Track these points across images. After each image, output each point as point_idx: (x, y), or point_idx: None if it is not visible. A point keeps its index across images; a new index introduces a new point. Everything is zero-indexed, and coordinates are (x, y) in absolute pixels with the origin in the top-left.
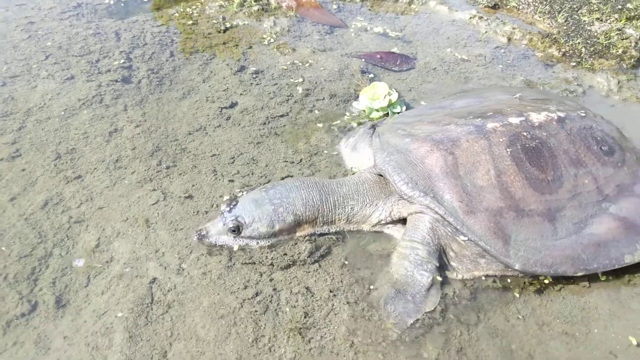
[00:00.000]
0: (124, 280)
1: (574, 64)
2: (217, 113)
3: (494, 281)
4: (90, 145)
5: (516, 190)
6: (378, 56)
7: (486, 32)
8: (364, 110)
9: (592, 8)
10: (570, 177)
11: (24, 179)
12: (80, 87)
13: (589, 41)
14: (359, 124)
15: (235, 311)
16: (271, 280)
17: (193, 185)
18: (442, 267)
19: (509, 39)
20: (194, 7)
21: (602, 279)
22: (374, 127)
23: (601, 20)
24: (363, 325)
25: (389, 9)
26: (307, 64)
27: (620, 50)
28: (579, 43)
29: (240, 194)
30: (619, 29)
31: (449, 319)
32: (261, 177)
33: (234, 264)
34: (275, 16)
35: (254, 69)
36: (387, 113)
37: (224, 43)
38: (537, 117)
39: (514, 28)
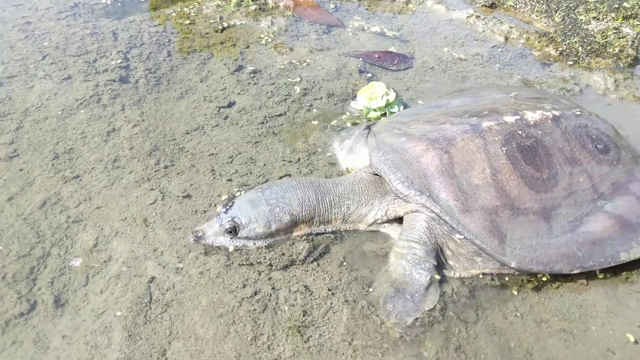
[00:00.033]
0: (122, 280)
1: (571, 62)
2: (215, 112)
3: (492, 279)
4: (88, 145)
5: (511, 189)
6: (376, 55)
7: (483, 31)
8: (362, 110)
9: (588, 7)
10: (566, 176)
11: (22, 179)
12: (78, 87)
13: (585, 40)
14: (354, 124)
15: (234, 310)
16: (270, 279)
17: (191, 185)
18: (440, 265)
19: (506, 38)
20: (191, 6)
21: (600, 276)
22: (368, 127)
23: (598, 19)
24: (362, 323)
25: (386, 8)
26: (305, 64)
27: (617, 49)
28: (575, 42)
29: (239, 193)
30: (615, 28)
31: (448, 317)
32: (259, 176)
33: (232, 263)
34: (273, 16)
35: (252, 68)
36: (385, 113)
37: (222, 43)
38: (532, 116)
39: (511, 27)
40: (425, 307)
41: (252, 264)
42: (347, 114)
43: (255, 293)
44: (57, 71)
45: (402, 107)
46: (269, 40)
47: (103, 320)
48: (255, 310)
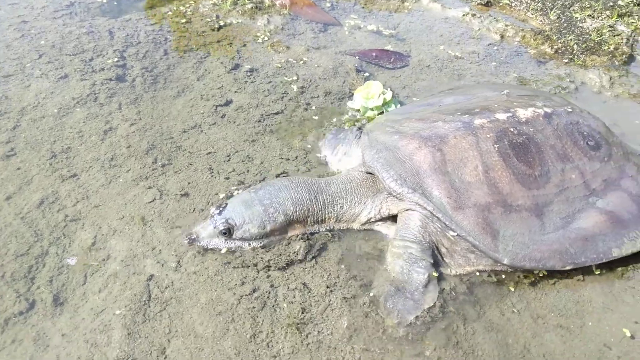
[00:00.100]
0: (121, 278)
1: (567, 60)
2: (212, 111)
3: (489, 275)
4: (85, 144)
5: (504, 186)
6: (372, 54)
7: (479, 29)
8: (359, 110)
9: (583, 5)
10: (558, 172)
11: (20, 177)
12: (75, 85)
13: (581, 38)
14: (352, 124)
15: (233, 307)
16: (268, 276)
17: (189, 183)
18: (437, 263)
19: (502, 36)
20: (187, 5)
21: (596, 272)
22: (360, 129)
23: (593, 17)
24: (360, 320)
25: (382, 6)
26: (302, 62)
27: (612, 47)
28: (571, 40)
29: (237, 191)
30: (610, 26)
31: (447, 313)
32: (257, 174)
33: (230, 261)
34: (269, 14)
35: (249, 66)
36: (382, 112)
37: (218, 41)
38: (524, 113)
39: (506, 25)
40: (425, 305)
41: (249, 266)
42: (347, 115)
43: (254, 290)
44: (54, 70)
45: (399, 106)
46: (266, 38)
47: (102, 318)
48: (254, 307)
